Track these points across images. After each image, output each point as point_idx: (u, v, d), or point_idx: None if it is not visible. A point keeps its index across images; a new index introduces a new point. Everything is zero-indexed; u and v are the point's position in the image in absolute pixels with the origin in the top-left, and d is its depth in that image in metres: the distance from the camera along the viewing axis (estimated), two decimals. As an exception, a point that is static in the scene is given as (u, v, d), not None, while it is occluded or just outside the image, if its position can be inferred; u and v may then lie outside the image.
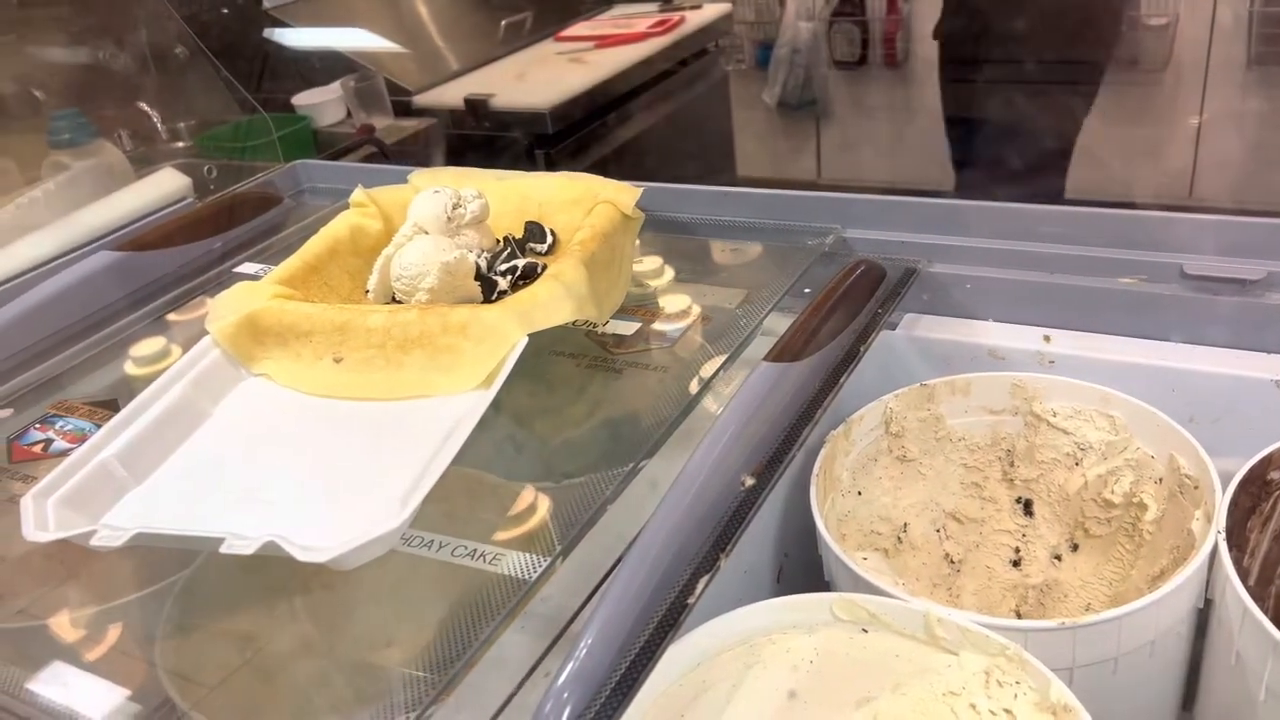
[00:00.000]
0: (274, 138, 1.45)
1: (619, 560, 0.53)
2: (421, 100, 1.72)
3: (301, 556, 0.47)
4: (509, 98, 1.66)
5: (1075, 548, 0.70)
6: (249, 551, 0.48)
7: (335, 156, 1.45)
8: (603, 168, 1.77)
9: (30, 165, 1.32)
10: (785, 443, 0.56)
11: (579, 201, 0.79)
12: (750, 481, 0.53)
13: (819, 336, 0.62)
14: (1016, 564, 0.72)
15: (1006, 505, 0.72)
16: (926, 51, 2.82)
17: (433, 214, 0.73)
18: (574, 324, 0.66)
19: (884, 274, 0.71)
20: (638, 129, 1.86)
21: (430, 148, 1.59)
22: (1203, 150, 2.69)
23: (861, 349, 0.64)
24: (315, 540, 0.50)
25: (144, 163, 1.50)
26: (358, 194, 0.81)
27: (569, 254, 0.69)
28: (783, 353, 0.60)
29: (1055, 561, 0.70)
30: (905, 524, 0.71)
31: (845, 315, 0.65)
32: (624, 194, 0.76)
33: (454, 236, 0.73)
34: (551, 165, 1.67)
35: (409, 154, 1.57)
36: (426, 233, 0.72)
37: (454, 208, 0.74)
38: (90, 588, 0.59)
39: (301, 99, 1.67)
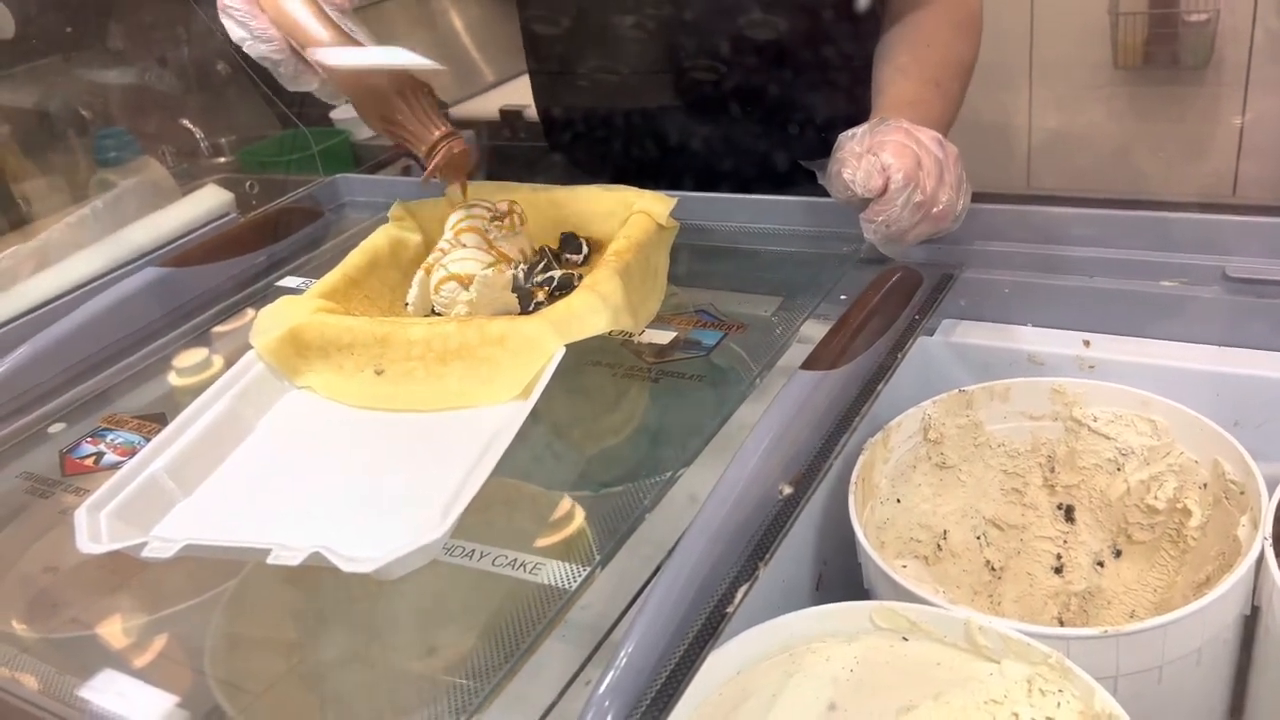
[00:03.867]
0: (313, 151, 1.47)
1: (658, 569, 0.53)
2: (457, 112, 1.74)
3: (346, 567, 0.48)
4: (544, 108, 1.67)
5: (1118, 554, 0.69)
6: (295, 563, 0.49)
7: (373, 170, 1.46)
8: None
9: (78, 182, 1.35)
10: (823, 451, 0.57)
11: (614, 212, 0.79)
12: (788, 490, 0.53)
13: (855, 344, 0.62)
14: (1059, 571, 0.71)
15: (1048, 511, 0.72)
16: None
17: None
18: (610, 334, 0.66)
19: (920, 280, 0.70)
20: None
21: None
22: (1246, 149, 2.64)
23: (899, 356, 0.64)
24: (359, 551, 0.50)
25: (187, 178, 1.53)
26: (396, 208, 0.82)
27: (605, 264, 0.70)
28: (819, 360, 0.60)
29: (1098, 568, 0.70)
30: (945, 531, 0.71)
31: (882, 322, 0.65)
32: (658, 204, 0.77)
33: (492, 249, 0.74)
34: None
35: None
36: (465, 245, 0.73)
37: (491, 220, 0.75)
38: (141, 597, 0.60)
39: (340, 113, 1.70)
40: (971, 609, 0.63)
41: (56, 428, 0.72)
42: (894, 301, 0.67)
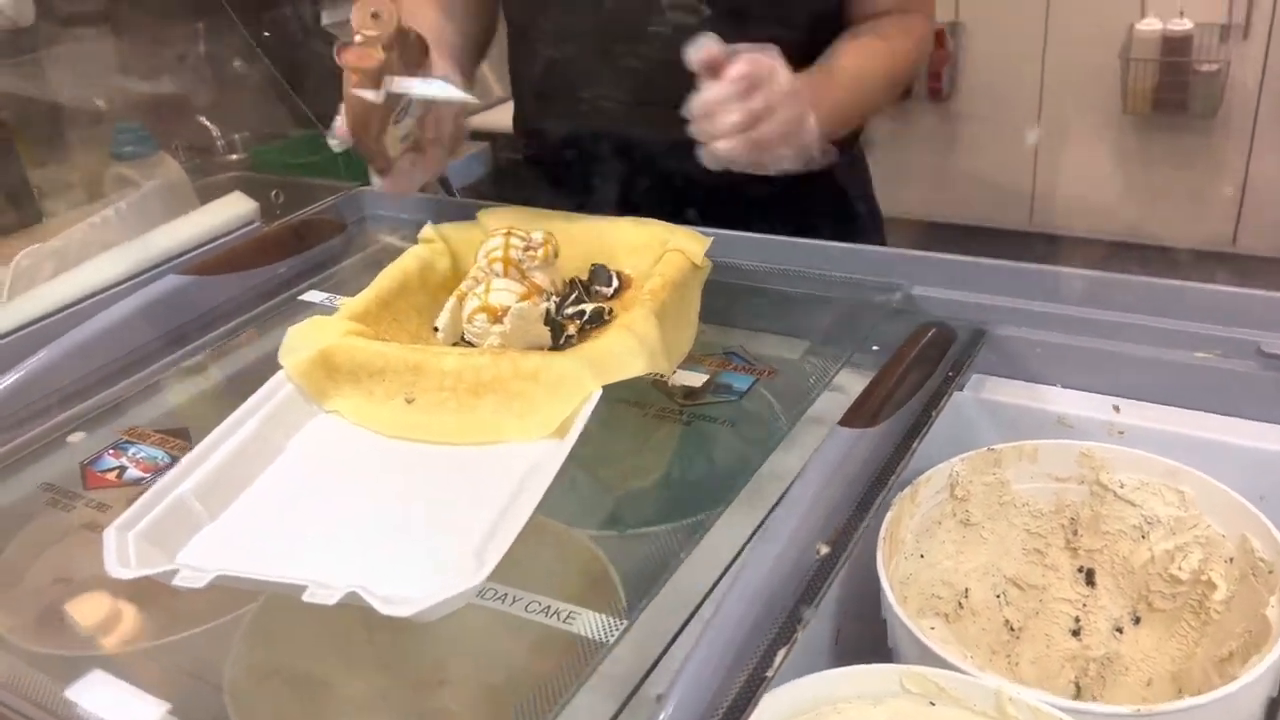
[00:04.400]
0: (331, 155, 1.46)
1: (687, 621, 0.53)
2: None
3: (384, 610, 0.47)
4: (561, 124, 1.66)
5: (1137, 620, 0.69)
6: (331, 602, 0.49)
7: (389, 177, 1.45)
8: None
9: (94, 176, 1.34)
10: (859, 509, 0.56)
11: (646, 246, 0.79)
12: (825, 550, 0.53)
13: (891, 401, 0.62)
14: (1076, 633, 0.71)
15: (1068, 573, 0.72)
16: (972, 85, 2.83)
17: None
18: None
19: (954, 336, 0.70)
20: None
21: (483, 174, 1.60)
22: (1248, 198, 2.67)
23: (933, 414, 0.64)
24: (394, 589, 0.50)
25: (200, 174, 1.53)
26: (427, 230, 0.82)
27: (640, 303, 0.69)
28: (857, 418, 0.59)
29: (1116, 634, 0.70)
30: (966, 589, 0.70)
31: (917, 378, 0.65)
32: (694, 243, 0.77)
33: (524, 280, 0.74)
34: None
35: (459, 177, 1.58)
36: (498, 275, 0.73)
37: (525, 250, 0.75)
38: (161, 617, 0.59)
39: (356, 117, 1.68)
40: (991, 671, 0.63)
41: (76, 437, 0.71)
42: (928, 359, 0.67)
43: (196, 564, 0.54)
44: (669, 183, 0.91)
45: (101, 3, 1.56)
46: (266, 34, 1.74)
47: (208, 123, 1.55)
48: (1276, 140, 2.58)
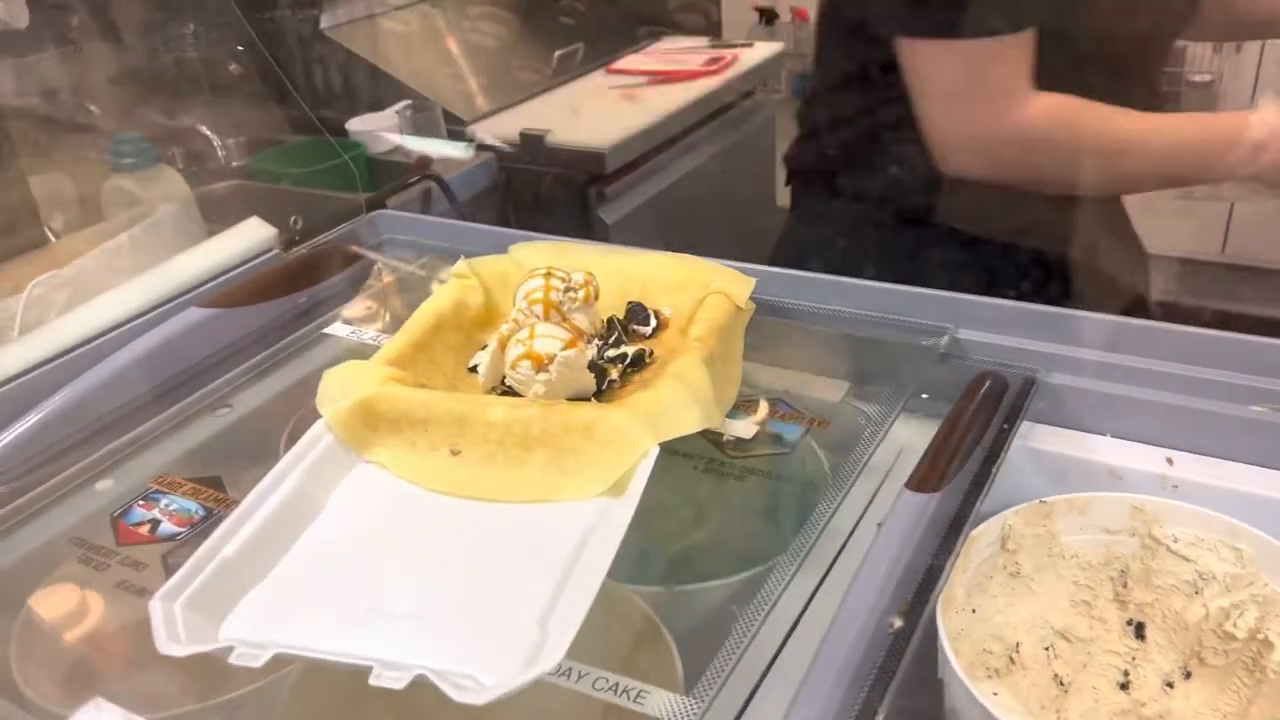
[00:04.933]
0: (337, 160, 1.43)
1: (753, 692, 0.52)
2: (474, 131, 1.71)
3: (457, 697, 0.46)
4: (565, 134, 1.64)
5: (1188, 675, 0.69)
6: (400, 686, 0.47)
7: (394, 192, 1.43)
8: (655, 208, 1.76)
9: (92, 188, 1.31)
10: (927, 579, 0.55)
11: (685, 285, 0.77)
12: (899, 624, 0.52)
13: (955, 461, 0.61)
14: (1124, 686, 0.70)
15: (1116, 626, 0.71)
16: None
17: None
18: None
19: (1007, 385, 0.69)
20: (688, 168, 1.84)
21: (487, 185, 1.58)
22: (1237, 208, 2.68)
23: (992, 471, 0.63)
24: (459, 667, 0.48)
25: (199, 183, 1.49)
26: (460, 266, 0.80)
27: (689, 351, 0.68)
28: (926, 482, 0.58)
29: (1167, 688, 0.69)
30: (1017, 643, 0.69)
31: (976, 434, 0.64)
32: (738, 285, 0.75)
33: (565, 321, 0.72)
34: (603, 202, 1.66)
35: (464, 189, 1.56)
36: (539, 319, 0.71)
37: (566, 291, 0.73)
38: (198, 682, 0.57)
39: (356, 124, 1.66)
40: (1046, 730, 0.62)
41: (103, 485, 0.68)
42: (986, 412, 0.66)
43: (245, 633, 0.52)
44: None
45: (97, 5, 1.53)
46: (265, 36, 1.70)
47: (207, 131, 1.51)
48: (1267, 151, 2.59)
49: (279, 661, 0.56)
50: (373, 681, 0.47)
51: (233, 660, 0.49)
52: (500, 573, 0.56)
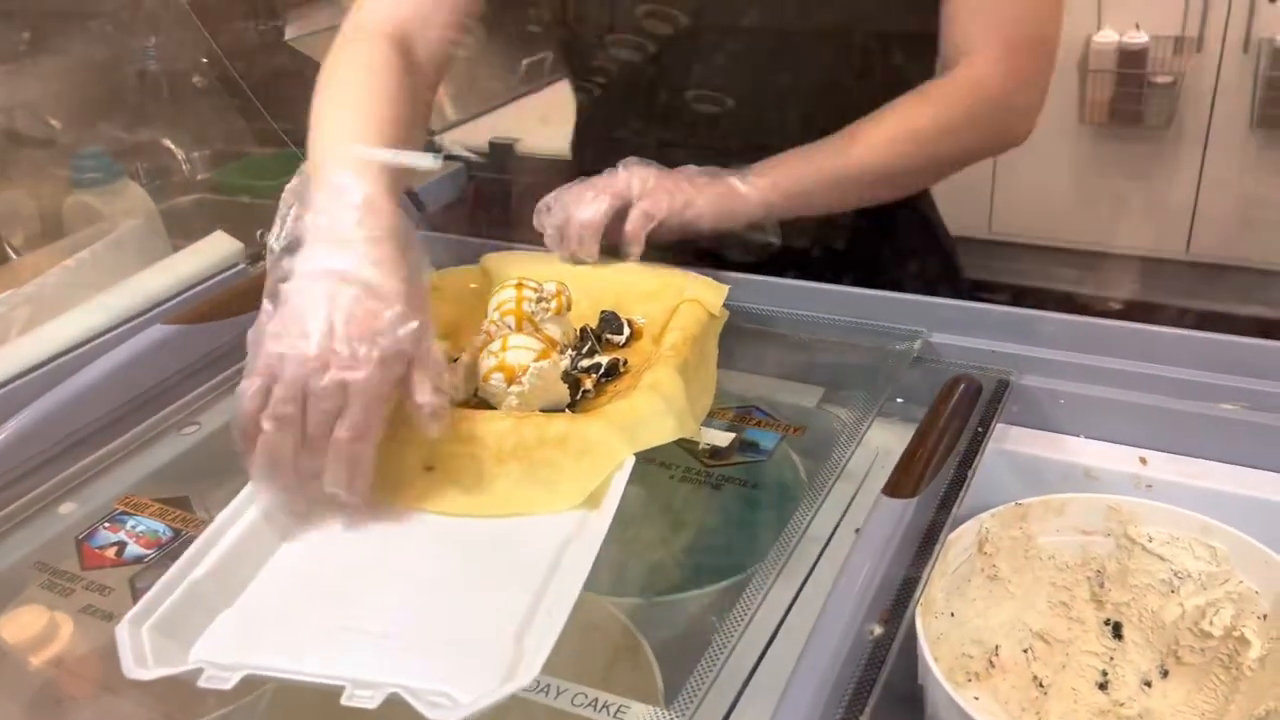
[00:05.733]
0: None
1: (731, 708, 0.51)
2: (442, 140, 1.70)
3: (430, 715, 0.45)
4: (535, 143, 1.63)
5: (1165, 674, 0.69)
6: (373, 705, 0.46)
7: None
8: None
9: (51, 203, 1.28)
10: (906, 585, 0.55)
11: (658, 294, 0.77)
12: (878, 631, 0.52)
13: (930, 466, 0.60)
14: (1103, 687, 0.70)
15: (1094, 626, 0.71)
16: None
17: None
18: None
19: (981, 389, 0.69)
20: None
21: (456, 195, 1.57)
22: (1201, 207, 2.72)
23: (968, 475, 0.63)
24: (433, 684, 0.47)
25: (163, 197, 1.47)
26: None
27: (663, 360, 0.67)
28: (902, 487, 0.58)
29: (1145, 687, 0.69)
30: (996, 646, 0.69)
31: (952, 438, 0.64)
32: (710, 292, 0.75)
33: (538, 332, 0.71)
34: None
35: (434, 198, 1.54)
36: (511, 330, 0.70)
37: (538, 302, 0.72)
38: (168, 706, 0.56)
39: (322, 135, 1.64)
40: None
41: (66, 507, 0.67)
42: (960, 416, 0.66)
43: (216, 657, 0.51)
44: None
45: (55, 18, 1.50)
46: (228, 48, 1.68)
47: (170, 144, 1.49)
48: (1228, 151, 2.64)
49: (251, 684, 0.55)
50: (345, 701, 0.46)
51: (202, 683, 0.48)
52: (475, 588, 0.55)
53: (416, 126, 0.86)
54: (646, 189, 0.79)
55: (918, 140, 0.81)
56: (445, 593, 0.55)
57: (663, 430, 0.61)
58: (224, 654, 0.51)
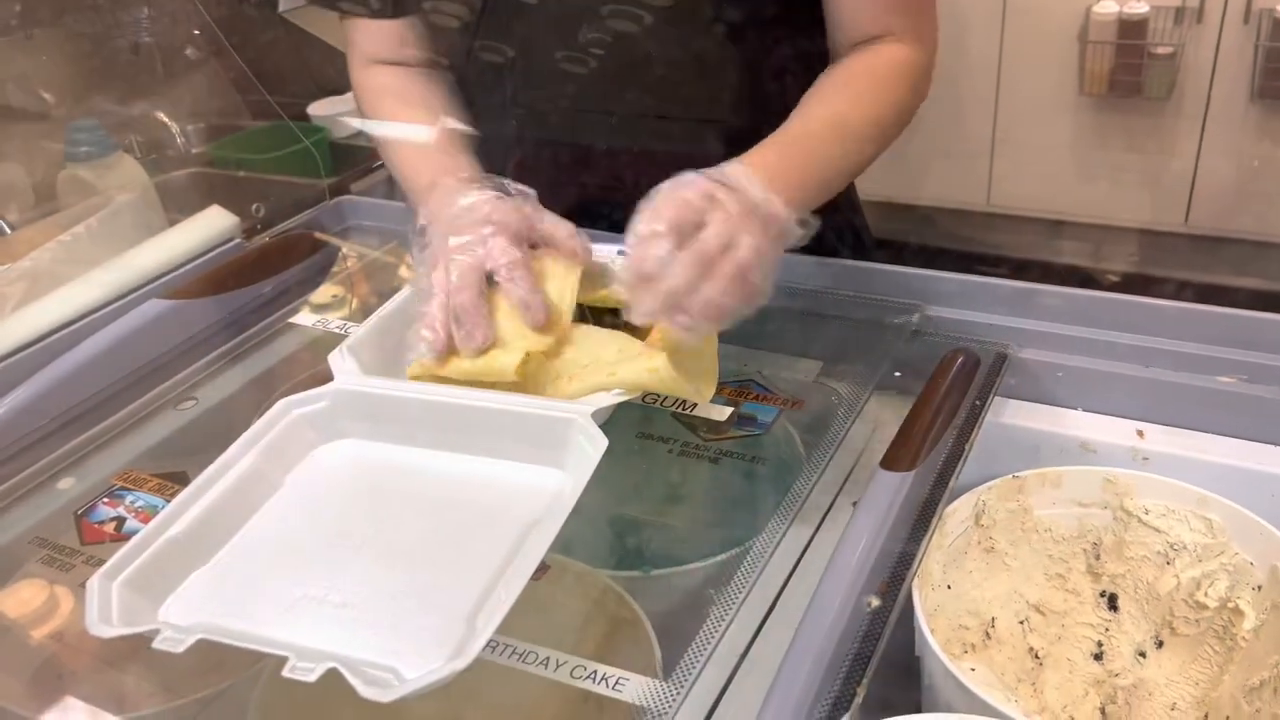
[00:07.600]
0: (297, 146, 1.41)
1: (730, 678, 0.52)
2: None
3: (364, 692, 0.44)
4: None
5: (1160, 645, 0.69)
6: (311, 679, 0.46)
7: (358, 177, 1.41)
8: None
9: (45, 176, 1.28)
10: (903, 558, 0.55)
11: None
12: (876, 603, 0.52)
13: (928, 439, 0.60)
14: (1098, 657, 0.71)
15: (1089, 598, 0.71)
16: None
17: None
18: (661, 403, 0.63)
19: (978, 362, 0.69)
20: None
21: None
22: (1200, 179, 2.71)
23: (966, 448, 0.63)
24: (380, 659, 0.47)
25: (158, 170, 1.46)
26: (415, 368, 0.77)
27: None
28: (899, 461, 0.58)
29: (1139, 658, 0.70)
30: (993, 618, 0.70)
31: (949, 412, 0.64)
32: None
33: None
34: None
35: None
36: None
37: None
38: (169, 679, 0.56)
39: (318, 108, 1.63)
40: (1017, 699, 0.62)
41: (65, 482, 0.67)
42: (958, 389, 0.66)
43: (181, 618, 0.51)
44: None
45: (48, -10, 1.49)
46: (223, 21, 1.67)
47: (165, 118, 1.48)
48: (1228, 123, 2.62)
49: (251, 657, 0.55)
50: (285, 673, 0.46)
51: (156, 645, 0.48)
52: (440, 561, 0.54)
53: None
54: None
55: (880, 125, 0.76)
56: (410, 565, 0.54)
57: (708, 381, 0.61)
58: (190, 614, 0.51)
